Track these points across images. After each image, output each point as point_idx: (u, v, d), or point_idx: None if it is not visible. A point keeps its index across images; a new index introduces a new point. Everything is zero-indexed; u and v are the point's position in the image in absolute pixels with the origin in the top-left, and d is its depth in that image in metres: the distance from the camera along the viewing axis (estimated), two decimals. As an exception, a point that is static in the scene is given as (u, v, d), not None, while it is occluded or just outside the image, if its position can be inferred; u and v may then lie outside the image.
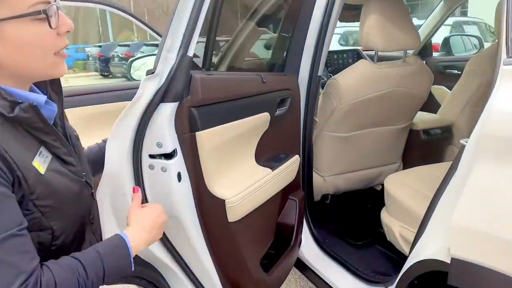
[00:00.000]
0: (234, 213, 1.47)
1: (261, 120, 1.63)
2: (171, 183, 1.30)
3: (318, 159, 2.28)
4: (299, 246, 2.03)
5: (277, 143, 1.83)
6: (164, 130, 1.26)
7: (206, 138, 1.34)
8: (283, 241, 1.91)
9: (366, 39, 1.98)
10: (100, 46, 17.49)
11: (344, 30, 9.29)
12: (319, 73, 2.00)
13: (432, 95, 3.04)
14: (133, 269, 0.94)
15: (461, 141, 1.19)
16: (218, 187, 1.43)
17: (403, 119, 2.32)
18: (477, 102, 2.42)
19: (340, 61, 3.25)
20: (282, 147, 1.88)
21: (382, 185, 2.57)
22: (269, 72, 2.17)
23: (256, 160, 1.68)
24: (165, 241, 1.43)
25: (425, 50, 3.36)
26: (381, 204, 2.62)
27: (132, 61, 2.90)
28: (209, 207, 1.43)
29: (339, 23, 2.20)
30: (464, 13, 13.19)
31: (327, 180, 2.33)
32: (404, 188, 1.83)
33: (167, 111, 1.25)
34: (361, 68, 2.06)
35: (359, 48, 3.48)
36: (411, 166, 2.59)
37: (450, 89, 3.34)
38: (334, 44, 10.27)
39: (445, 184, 1.24)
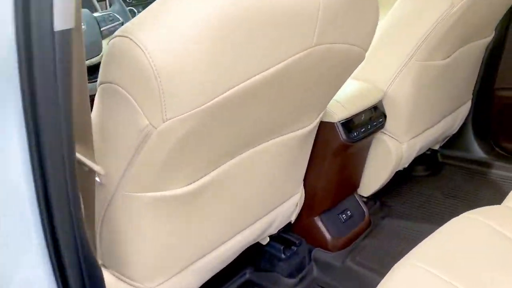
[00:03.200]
0: None
1: None
2: None
3: (127, 257, 0.83)
4: None
5: None
6: None
7: None
8: None
9: None
10: None
11: None
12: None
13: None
14: None
15: None
16: None
17: (315, 112, 0.99)
18: (433, 50, 1.22)
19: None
20: None
21: (270, 236, 1.27)
22: None
23: None
24: None
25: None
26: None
27: None
28: None
29: None
30: None
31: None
32: None
33: None
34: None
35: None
36: (319, 188, 1.32)
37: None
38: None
39: None
